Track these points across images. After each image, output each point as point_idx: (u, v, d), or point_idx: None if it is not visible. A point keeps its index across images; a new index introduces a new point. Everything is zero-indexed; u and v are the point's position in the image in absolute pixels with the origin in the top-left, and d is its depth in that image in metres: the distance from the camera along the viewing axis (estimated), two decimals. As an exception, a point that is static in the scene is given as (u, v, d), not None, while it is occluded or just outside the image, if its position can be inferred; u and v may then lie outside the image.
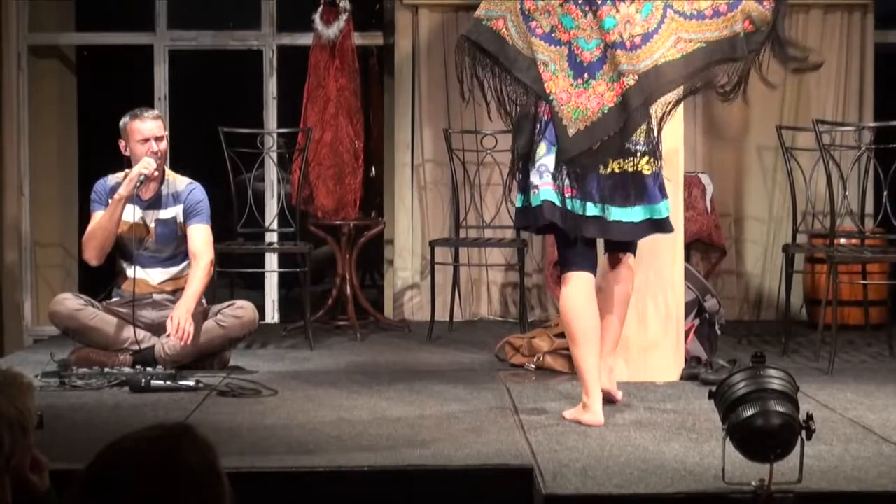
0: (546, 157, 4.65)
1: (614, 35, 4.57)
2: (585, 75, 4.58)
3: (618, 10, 4.60)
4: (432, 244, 7.33)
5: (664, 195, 4.78)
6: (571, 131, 4.56)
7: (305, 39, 8.04)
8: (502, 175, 7.47)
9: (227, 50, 8.58)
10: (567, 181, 4.60)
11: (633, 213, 4.71)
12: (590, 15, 4.61)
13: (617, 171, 4.66)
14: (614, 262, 4.94)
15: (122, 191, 5.80)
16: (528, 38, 4.66)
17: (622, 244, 4.88)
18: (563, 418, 4.82)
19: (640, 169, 4.67)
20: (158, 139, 5.89)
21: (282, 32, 8.47)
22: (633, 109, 4.55)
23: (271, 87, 8.42)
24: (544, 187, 4.64)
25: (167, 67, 8.44)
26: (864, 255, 6.55)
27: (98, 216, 5.93)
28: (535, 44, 4.64)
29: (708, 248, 7.54)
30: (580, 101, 4.57)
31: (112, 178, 6.03)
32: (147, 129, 5.88)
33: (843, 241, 6.86)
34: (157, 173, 5.89)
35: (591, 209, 4.63)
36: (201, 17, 8.70)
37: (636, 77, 4.54)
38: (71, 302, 5.91)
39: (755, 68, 4.73)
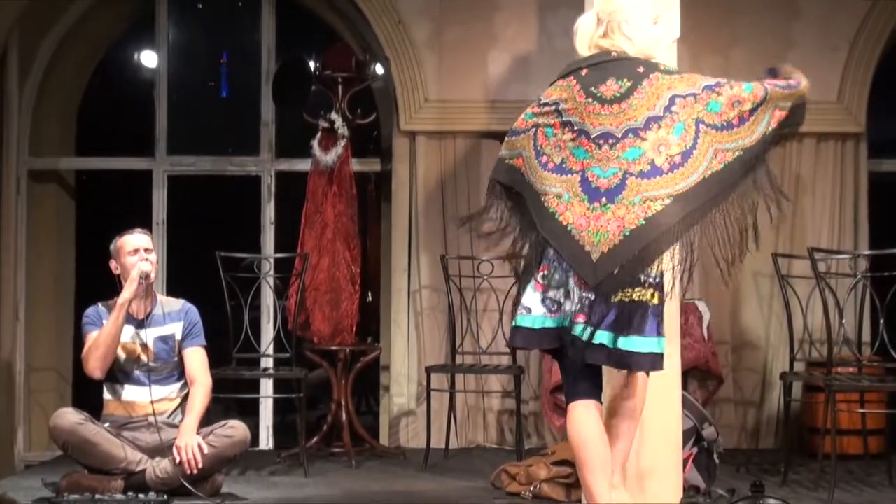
0: (527, 296, 4.65)
1: (641, 164, 4.55)
2: (603, 199, 4.53)
3: (643, 139, 4.57)
4: (428, 370, 7.30)
5: (660, 333, 4.69)
6: (595, 256, 4.52)
7: (303, 165, 8.12)
8: (499, 301, 7.51)
9: (226, 175, 8.67)
10: (579, 307, 4.55)
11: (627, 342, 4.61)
12: (605, 147, 4.61)
13: (625, 300, 4.59)
14: (622, 378, 4.84)
15: (126, 293, 5.84)
16: (539, 172, 4.68)
17: None
18: None
19: (646, 299, 4.62)
20: (147, 250, 5.96)
21: (280, 158, 8.58)
22: (665, 230, 4.49)
23: (269, 212, 8.48)
24: (521, 314, 4.65)
25: (166, 192, 8.52)
26: (861, 383, 6.53)
27: (96, 334, 5.93)
28: (546, 177, 4.63)
29: (705, 376, 7.51)
30: (600, 224, 4.52)
31: (103, 305, 6.04)
32: (136, 241, 5.96)
33: (840, 369, 6.82)
34: (154, 276, 5.94)
35: (600, 336, 4.56)
36: (200, 142, 8.79)
37: (670, 198, 4.50)
38: (73, 416, 5.89)
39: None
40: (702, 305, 7.43)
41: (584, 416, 4.62)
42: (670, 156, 4.54)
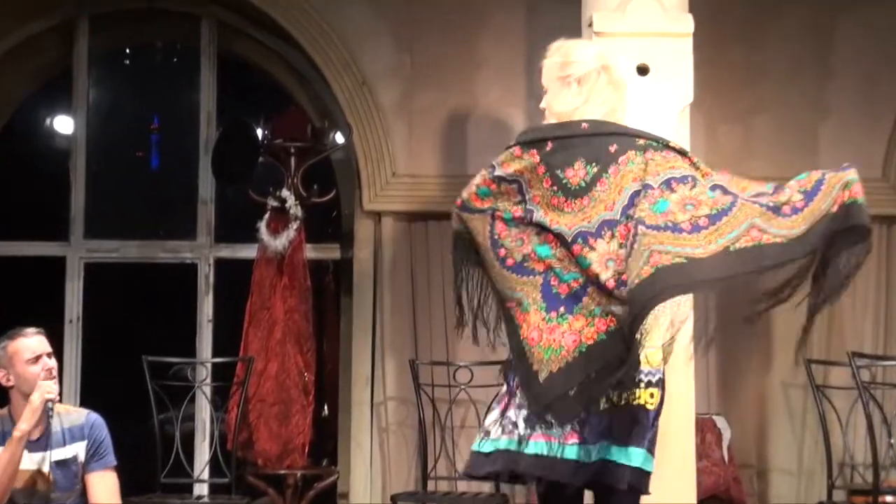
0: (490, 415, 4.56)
1: (605, 272, 4.44)
2: (561, 308, 4.47)
3: (592, 248, 4.44)
4: (394, 499, 7.21)
5: (651, 447, 4.52)
6: (543, 375, 4.44)
7: (248, 252, 8.16)
8: (479, 415, 7.44)
9: (156, 263, 8.66)
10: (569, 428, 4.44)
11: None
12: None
13: (622, 405, 4.44)
14: None
15: (24, 425, 5.68)
16: (498, 269, 4.57)
17: None
18: None
19: (642, 402, 4.46)
20: (49, 355, 5.82)
21: (220, 243, 8.59)
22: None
23: (206, 307, 8.48)
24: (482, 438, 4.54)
25: (82, 283, 8.49)
26: (916, 515, 6.51)
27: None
28: (507, 278, 4.55)
29: (726, 507, 7.47)
30: (553, 338, 4.45)
31: (-12, 417, 5.89)
32: (37, 345, 5.81)
33: (889, 498, 6.83)
34: (58, 399, 5.78)
35: (599, 451, 4.44)
36: (125, 224, 8.80)
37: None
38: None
39: None
40: (721, 421, 7.43)
41: None
42: (617, 271, 4.42)
